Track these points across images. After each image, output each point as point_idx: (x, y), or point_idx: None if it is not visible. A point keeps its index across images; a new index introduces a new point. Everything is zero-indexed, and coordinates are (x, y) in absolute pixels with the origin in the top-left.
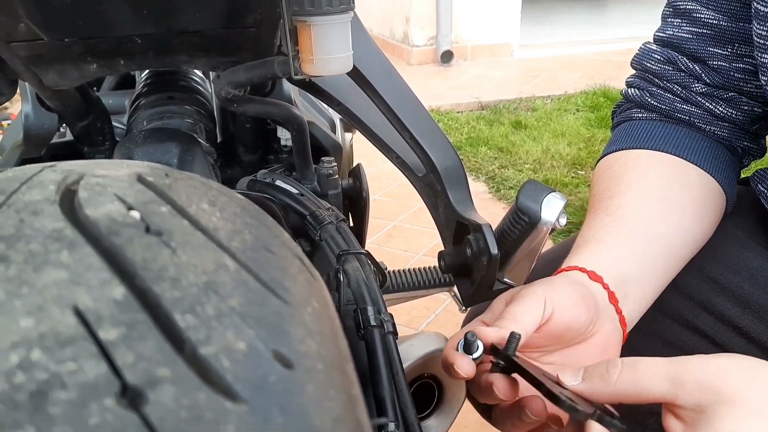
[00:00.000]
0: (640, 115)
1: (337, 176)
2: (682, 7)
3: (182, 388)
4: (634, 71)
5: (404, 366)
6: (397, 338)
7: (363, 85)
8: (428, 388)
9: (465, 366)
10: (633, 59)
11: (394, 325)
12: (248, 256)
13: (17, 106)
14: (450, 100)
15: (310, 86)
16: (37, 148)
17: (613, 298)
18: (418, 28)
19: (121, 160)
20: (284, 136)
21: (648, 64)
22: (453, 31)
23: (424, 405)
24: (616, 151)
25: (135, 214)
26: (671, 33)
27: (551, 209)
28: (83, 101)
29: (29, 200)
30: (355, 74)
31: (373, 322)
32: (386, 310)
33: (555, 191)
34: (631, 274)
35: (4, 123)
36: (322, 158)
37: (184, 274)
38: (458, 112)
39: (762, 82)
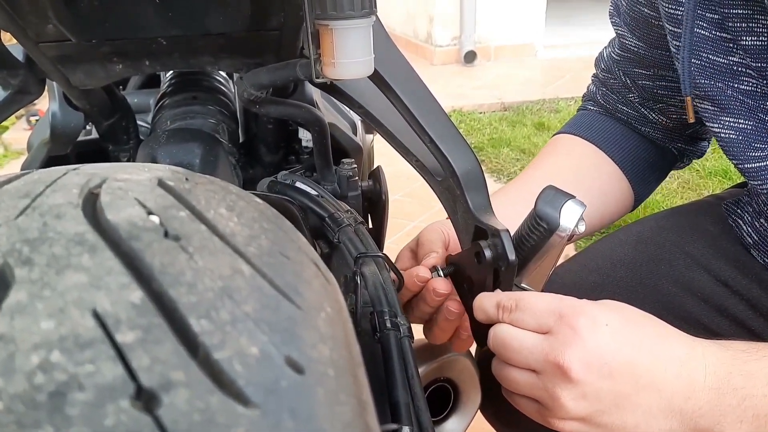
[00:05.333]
0: (592, 107)
1: (356, 178)
2: (616, 30)
3: (195, 391)
4: None
5: (420, 370)
6: (412, 341)
7: (384, 89)
8: (444, 392)
9: (443, 283)
10: (595, 59)
11: (410, 328)
12: (264, 261)
13: (45, 102)
14: (473, 101)
15: (332, 89)
16: (63, 146)
17: None
18: (442, 28)
19: (144, 164)
20: (305, 137)
21: (599, 68)
22: (476, 31)
23: (439, 408)
24: (561, 133)
25: (154, 218)
26: (609, 52)
27: (570, 216)
28: (109, 100)
29: (53, 203)
30: (376, 77)
31: (388, 326)
32: (402, 314)
33: (574, 198)
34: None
35: (33, 119)
36: (342, 160)
37: (201, 279)
38: (480, 113)
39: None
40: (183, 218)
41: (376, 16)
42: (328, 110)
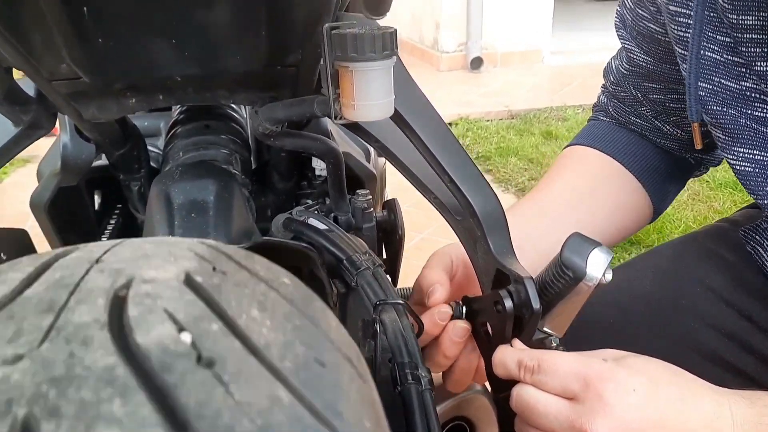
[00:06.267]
0: (603, 118)
1: (371, 210)
2: (623, 44)
3: None
4: None
5: (438, 408)
6: (433, 393)
7: (403, 127)
8: (461, 430)
9: (461, 331)
10: (604, 69)
11: (431, 380)
12: (301, 380)
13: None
14: (479, 108)
15: (350, 124)
16: (74, 177)
17: None
18: (448, 34)
19: (169, 246)
20: (319, 165)
21: (608, 80)
22: (483, 37)
23: None
24: (574, 145)
25: (186, 337)
26: (618, 65)
27: (597, 265)
28: (121, 131)
29: (79, 322)
30: (396, 117)
31: (410, 379)
32: (423, 364)
33: (601, 245)
34: (527, 245)
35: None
36: (357, 191)
37: (239, 420)
38: (488, 121)
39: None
40: (216, 333)
41: (397, 56)
42: (341, 138)
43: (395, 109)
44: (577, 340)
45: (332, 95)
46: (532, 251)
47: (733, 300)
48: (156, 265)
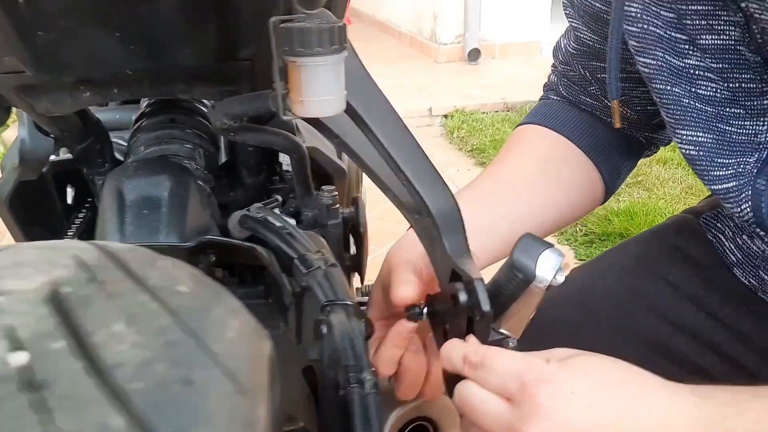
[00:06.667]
0: (554, 97)
1: (337, 206)
2: (570, 23)
3: None
4: None
5: (398, 410)
6: (378, 397)
7: (358, 123)
8: (424, 431)
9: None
10: (553, 48)
11: (376, 384)
12: (149, 401)
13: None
14: (476, 100)
15: (309, 119)
16: (34, 171)
17: None
18: (446, 26)
19: (50, 256)
20: (286, 160)
21: (557, 59)
22: (481, 28)
23: None
24: (524, 124)
25: (18, 358)
26: (566, 44)
27: (547, 267)
28: (82, 124)
29: None
30: (350, 111)
31: (352, 382)
32: (370, 367)
33: (551, 247)
34: (478, 225)
35: None
36: (323, 187)
37: None
38: (483, 113)
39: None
40: (57, 353)
41: (350, 49)
42: (310, 132)
43: (349, 105)
44: (541, 342)
45: (281, 90)
46: (483, 238)
47: (697, 297)
48: (24, 274)
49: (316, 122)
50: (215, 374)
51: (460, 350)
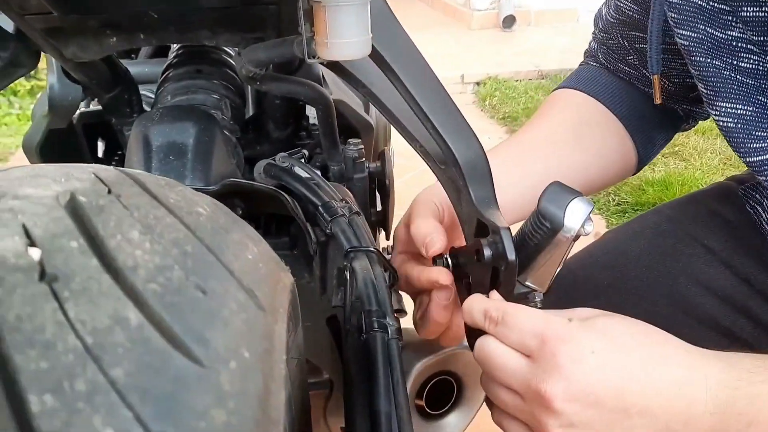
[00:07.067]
0: (593, 63)
1: (363, 160)
2: None
3: None
4: None
5: (422, 362)
6: (401, 343)
7: (384, 69)
8: (447, 385)
9: (445, 273)
10: (594, 16)
11: (399, 329)
12: (165, 303)
13: None
14: (509, 68)
15: (335, 67)
16: (63, 119)
17: None
18: None
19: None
20: (313, 113)
21: (597, 27)
22: None
23: (443, 401)
24: (561, 88)
25: (34, 252)
26: (606, 12)
27: (575, 216)
28: (110, 72)
29: None
30: (376, 57)
31: (375, 327)
32: (393, 314)
33: (581, 195)
34: (504, 181)
35: None
36: (349, 140)
37: (63, 337)
38: (516, 81)
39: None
40: (72, 251)
41: None
42: (337, 86)
43: (375, 49)
44: (567, 302)
45: (307, 33)
46: (511, 193)
47: (732, 262)
48: (41, 183)
49: (341, 70)
50: (232, 286)
51: (481, 305)
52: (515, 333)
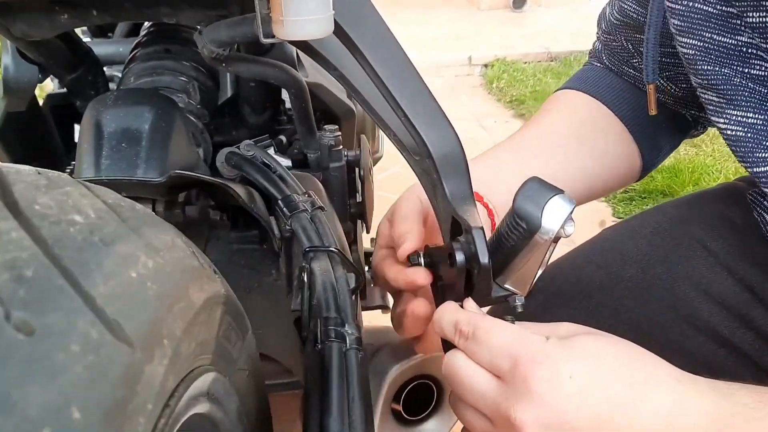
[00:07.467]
0: (597, 64)
1: (340, 147)
2: None
3: None
4: None
5: (399, 365)
6: (361, 354)
7: (351, 50)
8: (427, 390)
9: (423, 274)
10: (598, 16)
11: (359, 339)
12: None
13: None
14: (518, 50)
15: (301, 45)
16: (20, 102)
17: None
18: None
19: None
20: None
21: (600, 29)
22: None
23: (422, 406)
24: (564, 89)
25: None
26: (609, 13)
27: (555, 216)
28: (69, 52)
29: None
30: (343, 37)
31: (332, 336)
32: (355, 320)
33: (562, 193)
34: (502, 185)
35: None
36: (325, 126)
37: None
38: (525, 63)
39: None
40: None
41: None
42: (315, 68)
43: (339, 27)
44: (556, 304)
45: (263, 10)
46: (504, 195)
47: (735, 268)
48: None
49: (309, 49)
50: (82, 320)
51: (452, 316)
52: (486, 350)
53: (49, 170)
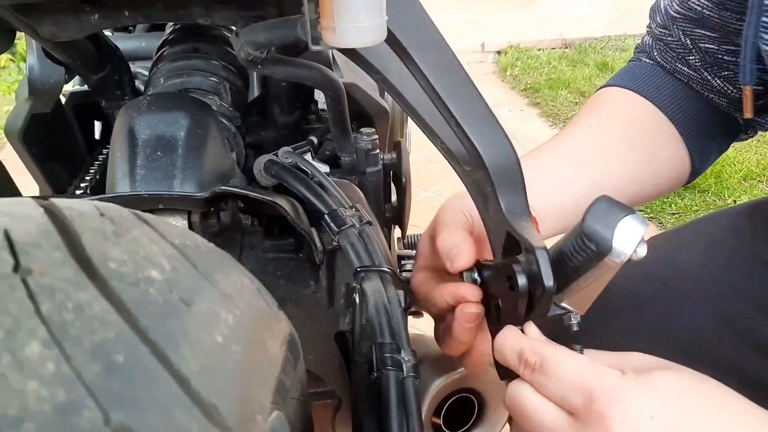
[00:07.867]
0: (646, 60)
1: (377, 151)
2: None
3: None
4: None
5: (441, 379)
6: (417, 381)
7: (402, 56)
8: (468, 403)
9: (476, 292)
10: (651, 8)
11: (416, 366)
12: None
13: None
14: (532, 37)
15: (347, 51)
16: (46, 103)
17: None
18: None
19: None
20: (321, 98)
21: (654, 22)
22: None
23: (463, 420)
24: (610, 86)
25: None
26: (667, 5)
27: (627, 238)
28: (96, 51)
29: None
30: (393, 42)
31: (389, 364)
32: (409, 344)
33: (634, 213)
34: (542, 188)
35: None
36: (362, 129)
37: None
38: (539, 50)
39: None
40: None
41: None
42: (349, 66)
43: (391, 34)
44: (608, 316)
45: (311, 15)
46: (552, 201)
47: None
48: None
49: (353, 54)
50: (179, 409)
51: (516, 344)
52: (556, 384)
53: (108, 205)
